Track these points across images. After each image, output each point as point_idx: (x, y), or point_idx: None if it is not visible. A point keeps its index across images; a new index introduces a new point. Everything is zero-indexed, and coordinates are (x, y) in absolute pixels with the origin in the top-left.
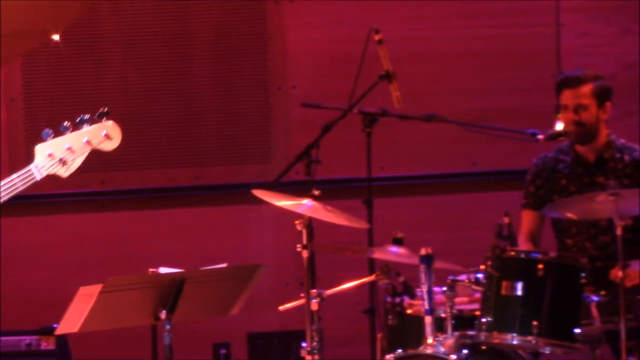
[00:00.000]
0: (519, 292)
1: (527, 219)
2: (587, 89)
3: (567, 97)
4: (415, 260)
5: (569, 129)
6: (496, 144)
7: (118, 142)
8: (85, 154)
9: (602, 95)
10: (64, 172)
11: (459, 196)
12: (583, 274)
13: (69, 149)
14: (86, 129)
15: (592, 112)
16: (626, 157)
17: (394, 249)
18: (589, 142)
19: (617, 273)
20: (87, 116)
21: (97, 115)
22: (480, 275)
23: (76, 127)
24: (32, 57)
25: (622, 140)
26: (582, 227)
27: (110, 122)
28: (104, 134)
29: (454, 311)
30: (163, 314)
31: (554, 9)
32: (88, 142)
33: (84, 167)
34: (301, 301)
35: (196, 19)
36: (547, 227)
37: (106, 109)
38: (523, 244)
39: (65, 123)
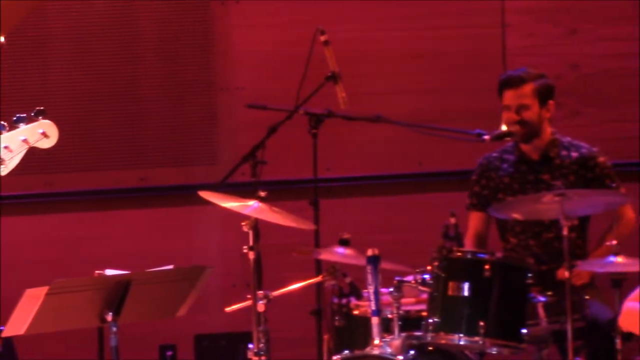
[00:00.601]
0: (466, 293)
1: (473, 221)
2: (528, 88)
3: (509, 97)
4: (361, 261)
5: (512, 128)
6: (442, 144)
7: (55, 140)
8: (22, 153)
9: (544, 94)
10: (2, 171)
11: (405, 197)
12: (530, 275)
13: (6, 147)
14: (23, 127)
15: (534, 111)
16: (573, 154)
17: (341, 250)
18: (533, 140)
19: (562, 272)
20: (23, 115)
21: (33, 113)
22: (427, 276)
23: (13, 126)
24: None
25: (568, 138)
26: (526, 225)
27: (47, 121)
28: (40, 132)
29: (401, 312)
30: (109, 316)
31: (499, 10)
32: (25, 141)
33: (29, 169)
34: (248, 302)
35: (142, 19)
36: (492, 225)
37: (42, 107)
38: (469, 246)
39: (2, 122)
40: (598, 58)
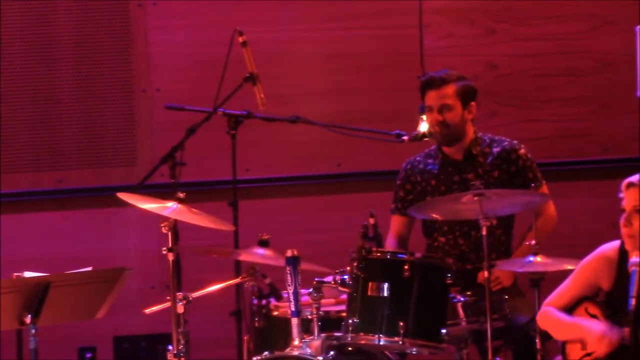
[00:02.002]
0: (385, 293)
1: (395, 224)
2: (451, 89)
3: (432, 97)
4: (281, 262)
5: (434, 129)
6: (361, 145)
7: None
8: None
9: (467, 96)
10: None
11: (325, 198)
12: (449, 275)
13: None
14: None
15: (457, 112)
16: (495, 149)
17: (260, 251)
18: (454, 144)
19: (483, 274)
20: None
21: None
22: (346, 277)
23: None
24: None
25: (489, 135)
26: (454, 224)
27: None
28: None
29: (321, 313)
30: (28, 319)
31: (417, 10)
32: None
33: None
34: (167, 304)
35: (60, 20)
36: (416, 225)
37: None
38: (391, 248)
39: None
40: (515, 58)
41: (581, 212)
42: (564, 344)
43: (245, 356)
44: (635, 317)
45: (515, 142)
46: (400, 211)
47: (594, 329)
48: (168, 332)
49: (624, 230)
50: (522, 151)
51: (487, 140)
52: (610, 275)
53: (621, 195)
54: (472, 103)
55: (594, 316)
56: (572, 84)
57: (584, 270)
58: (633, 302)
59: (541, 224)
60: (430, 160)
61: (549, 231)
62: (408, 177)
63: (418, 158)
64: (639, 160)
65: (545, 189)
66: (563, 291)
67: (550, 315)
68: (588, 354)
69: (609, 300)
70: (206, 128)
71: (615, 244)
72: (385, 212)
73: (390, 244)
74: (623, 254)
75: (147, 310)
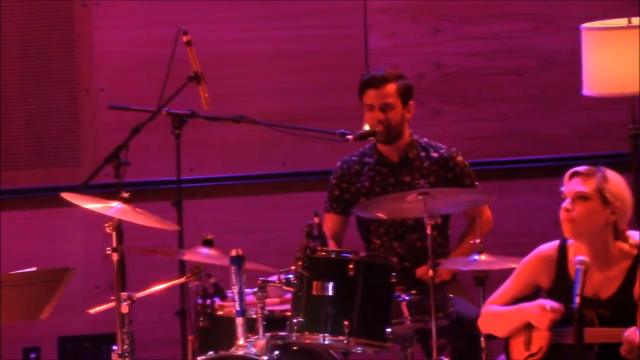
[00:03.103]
0: (330, 292)
1: (329, 223)
2: (391, 88)
3: (372, 96)
4: (225, 262)
5: (376, 128)
6: (306, 144)
7: None
8: None
9: (406, 94)
10: None
11: (269, 197)
12: (394, 273)
13: None
14: None
15: (398, 111)
16: (432, 155)
17: (204, 250)
18: (394, 142)
19: (425, 271)
20: None
21: None
22: (291, 276)
23: None
24: None
25: (425, 139)
26: (389, 226)
27: None
28: None
29: (265, 312)
30: None
31: (361, 10)
32: None
33: None
34: (111, 304)
35: (5, 19)
36: (353, 228)
37: None
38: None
39: None
40: (460, 57)
41: (525, 210)
42: (507, 343)
43: (189, 356)
44: (579, 315)
45: (453, 149)
46: (335, 210)
47: (533, 304)
48: (112, 332)
49: (564, 215)
50: (460, 158)
51: (424, 144)
52: (550, 274)
53: (563, 187)
54: (411, 102)
55: None
56: (517, 82)
57: (524, 270)
58: (577, 300)
59: (480, 225)
60: (366, 160)
61: (485, 233)
62: (344, 176)
63: (354, 158)
64: (582, 159)
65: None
66: (503, 292)
67: (490, 312)
68: (532, 355)
69: (549, 299)
70: (150, 128)
71: (554, 243)
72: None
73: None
74: (562, 253)
75: (92, 311)
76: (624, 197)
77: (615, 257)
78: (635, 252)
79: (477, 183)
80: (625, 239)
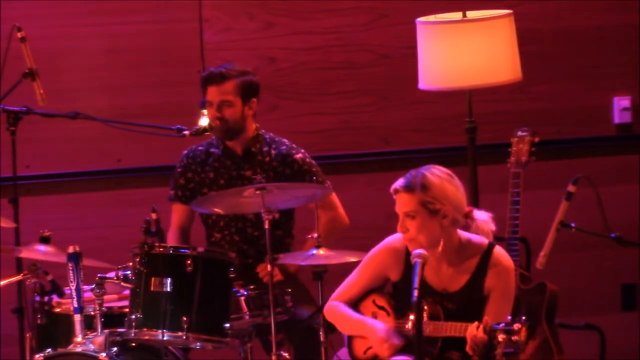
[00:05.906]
0: (168, 288)
1: (177, 213)
2: (230, 85)
3: (212, 93)
4: (63, 259)
5: (213, 124)
6: (142, 140)
7: None
8: None
9: (247, 92)
10: None
11: (106, 193)
12: (232, 269)
13: None
14: None
15: (237, 108)
16: (273, 151)
17: (42, 247)
18: (234, 138)
19: (265, 267)
20: None
21: None
22: (128, 272)
23: None
24: None
25: (271, 134)
26: (230, 220)
27: None
28: None
29: (103, 309)
30: None
31: (196, 5)
32: None
33: None
34: None
35: None
36: (198, 221)
37: None
38: (172, 240)
39: None
40: (294, 51)
41: (361, 204)
42: (350, 339)
43: (27, 354)
44: (418, 308)
45: (294, 146)
46: (181, 199)
47: (376, 331)
48: None
49: (403, 236)
50: (299, 156)
51: (268, 140)
52: (399, 267)
53: (393, 197)
54: (253, 99)
55: (381, 307)
56: (352, 76)
57: (372, 262)
58: (416, 293)
59: (330, 221)
60: (212, 150)
61: (339, 230)
62: (189, 165)
63: (200, 148)
64: (419, 152)
65: (331, 193)
66: (351, 284)
67: (336, 310)
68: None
69: (395, 291)
70: None
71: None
72: (168, 207)
73: (172, 236)
74: None
75: None
76: (448, 196)
77: (466, 250)
78: (485, 245)
79: (323, 179)
80: (468, 227)
